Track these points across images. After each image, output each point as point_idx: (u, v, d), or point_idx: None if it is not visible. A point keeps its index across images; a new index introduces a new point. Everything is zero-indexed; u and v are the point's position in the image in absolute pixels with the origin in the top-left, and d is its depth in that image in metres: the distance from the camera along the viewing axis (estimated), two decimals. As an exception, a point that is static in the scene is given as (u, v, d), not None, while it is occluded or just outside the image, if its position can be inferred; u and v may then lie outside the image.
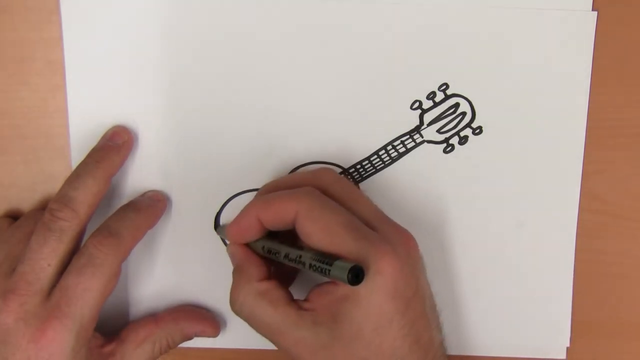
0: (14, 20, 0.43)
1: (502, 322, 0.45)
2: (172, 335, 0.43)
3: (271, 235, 0.41)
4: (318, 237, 0.37)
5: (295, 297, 0.39)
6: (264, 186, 0.42)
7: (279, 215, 0.39)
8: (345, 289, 0.37)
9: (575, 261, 0.45)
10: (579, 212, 0.45)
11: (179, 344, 0.43)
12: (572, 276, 0.45)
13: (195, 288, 0.45)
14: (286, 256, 0.38)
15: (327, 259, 0.36)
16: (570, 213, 0.45)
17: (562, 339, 0.46)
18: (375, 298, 0.36)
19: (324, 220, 0.37)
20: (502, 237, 0.45)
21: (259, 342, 0.45)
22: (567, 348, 0.46)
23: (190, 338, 0.44)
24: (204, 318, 0.44)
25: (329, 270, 0.35)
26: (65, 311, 0.37)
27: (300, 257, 0.37)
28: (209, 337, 0.44)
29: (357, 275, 0.34)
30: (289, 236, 0.40)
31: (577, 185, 0.45)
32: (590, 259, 0.46)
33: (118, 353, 0.41)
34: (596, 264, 0.46)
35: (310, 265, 0.36)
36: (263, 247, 0.40)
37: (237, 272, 0.40)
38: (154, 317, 0.43)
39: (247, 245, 0.41)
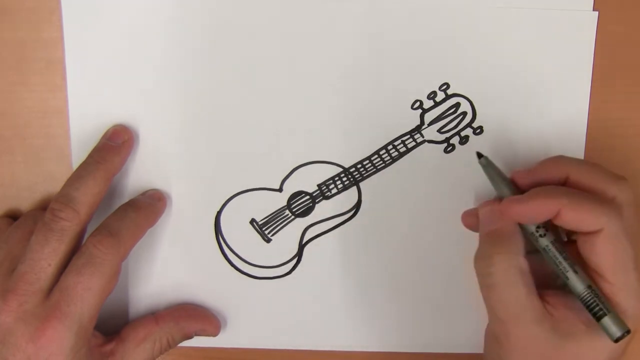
0: (14, 20, 0.43)
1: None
2: (172, 334, 0.43)
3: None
4: (606, 260, 0.37)
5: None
6: (574, 165, 0.39)
7: (581, 221, 0.37)
8: (588, 317, 0.37)
9: (576, 261, 0.45)
10: (579, 212, 0.45)
11: (179, 342, 0.43)
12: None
13: (195, 287, 0.45)
14: (557, 265, 0.38)
15: (604, 304, 0.36)
16: (571, 213, 0.45)
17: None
18: (613, 346, 0.37)
19: (622, 248, 0.37)
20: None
21: (258, 342, 0.45)
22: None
23: (190, 337, 0.44)
24: (204, 317, 0.44)
25: (601, 317, 0.36)
26: (65, 311, 0.37)
27: (574, 279, 0.37)
28: (209, 336, 0.44)
29: (623, 336, 0.36)
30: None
31: (577, 185, 0.45)
32: (591, 258, 0.46)
33: (118, 352, 0.41)
34: (597, 264, 0.46)
35: (582, 297, 0.37)
36: (540, 242, 0.39)
37: (506, 237, 0.38)
38: (154, 316, 0.43)
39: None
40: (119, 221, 0.40)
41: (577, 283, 0.37)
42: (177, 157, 0.44)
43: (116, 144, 0.42)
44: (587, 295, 0.37)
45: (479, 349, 0.43)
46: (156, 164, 0.44)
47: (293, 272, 0.45)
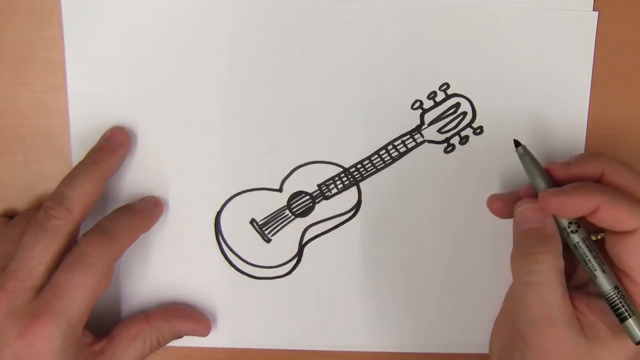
0: (14, 20, 0.43)
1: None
2: (163, 333, 0.43)
3: None
4: (636, 260, 0.37)
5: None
6: (611, 163, 0.39)
7: (619, 220, 0.37)
8: (612, 320, 0.37)
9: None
10: (579, 212, 0.45)
11: (169, 341, 0.43)
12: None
13: (195, 287, 0.45)
14: (587, 262, 0.38)
15: (629, 306, 0.37)
16: (571, 213, 0.45)
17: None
18: (636, 349, 0.38)
19: None
20: (504, 236, 0.45)
21: (258, 342, 0.45)
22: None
23: (180, 336, 0.43)
24: (194, 317, 0.44)
25: (625, 319, 0.36)
26: (55, 307, 0.37)
27: (602, 278, 0.37)
28: (199, 336, 0.44)
29: None
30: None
31: (578, 185, 0.45)
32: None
33: (108, 351, 0.41)
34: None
35: (607, 297, 0.37)
36: (572, 238, 0.38)
37: (548, 236, 0.38)
38: (144, 315, 0.43)
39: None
40: (113, 222, 0.40)
41: (604, 282, 0.37)
42: (176, 157, 0.44)
43: (114, 144, 0.42)
44: (614, 296, 0.37)
45: (476, 350, 0.43)
46: (156, 164, 0.44)
47: (293, 272, 0.45)
